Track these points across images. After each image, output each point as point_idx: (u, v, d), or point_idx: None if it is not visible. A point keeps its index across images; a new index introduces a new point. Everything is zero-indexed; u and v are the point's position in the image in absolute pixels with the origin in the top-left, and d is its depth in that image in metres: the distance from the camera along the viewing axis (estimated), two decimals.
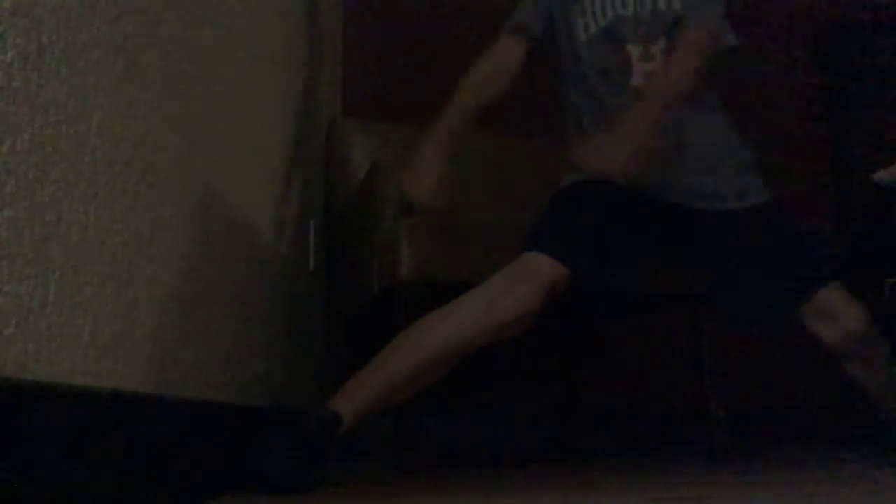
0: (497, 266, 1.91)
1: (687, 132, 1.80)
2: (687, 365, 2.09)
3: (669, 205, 1.79)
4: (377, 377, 1.62)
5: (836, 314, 1.68)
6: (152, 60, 1.15)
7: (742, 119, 1.91)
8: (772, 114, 2.85)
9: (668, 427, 2.53)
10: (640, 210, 1.77)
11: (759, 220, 1.79)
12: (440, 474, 1.80)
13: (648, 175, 1.72)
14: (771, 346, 2.65)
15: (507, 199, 2.49)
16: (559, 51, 1.92)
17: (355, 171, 2.45)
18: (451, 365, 1.65)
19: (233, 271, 1.55)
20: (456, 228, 1.96)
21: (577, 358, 2.57)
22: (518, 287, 1.64)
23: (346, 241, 2.37)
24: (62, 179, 0.90)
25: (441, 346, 1.62)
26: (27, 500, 0.80)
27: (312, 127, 2.41)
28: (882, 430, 1.77)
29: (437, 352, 1.62)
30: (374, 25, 2.84)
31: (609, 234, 1.75)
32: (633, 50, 1.82)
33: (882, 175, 2.11)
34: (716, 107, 1.87)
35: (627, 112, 1.63)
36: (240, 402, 1.55)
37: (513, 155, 2.62)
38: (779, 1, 3.00)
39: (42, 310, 0.85)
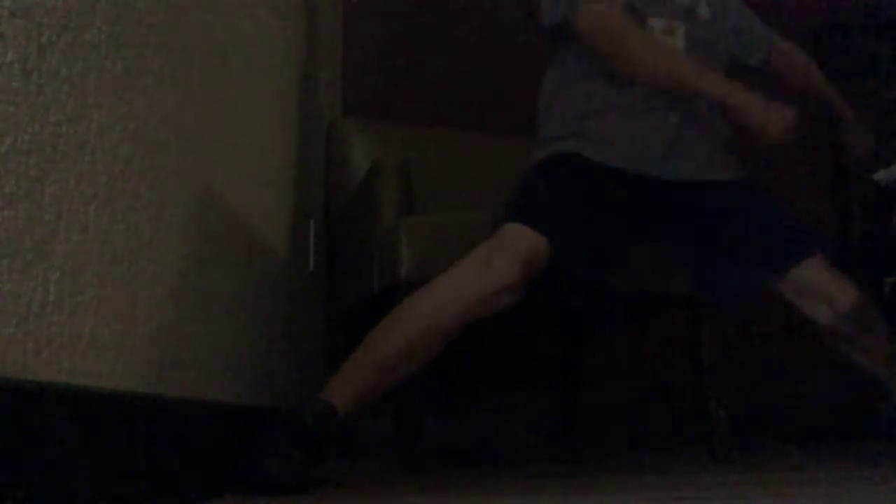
0: None
1: (691, 105, 1.80)
2: (687, 365, 2.09)
3: (647, 177, 1.79)
4: (366, 362, 1.60)
5: (827, 294, 1.69)
6: (152, 60, 1.15)
7: None
8: None
9: (668, 427, 2.53)
10: (619, 181, 1.77)
11: (739, 193, 1.82)
12: (440, 474, 1.80)
13: (649, 150, 1.73)
14: (771, 346, 2.65)
15: (507, 198, 2.48)
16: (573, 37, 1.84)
17: (355, 171, 2.44)
18: (439, 344, 1.62)
19: (233, 271, 1.55)
20: (456, 228, 1.96)
21: (577, 358, 2.57)
22: (496, 259, 1.62)
23: (346, 241, 2.37)
24: (62, 179, 0.90)
25: (425, 324, 1.60)
26: (27, 500, 0.80)
27: (312, 127, 2.41)
28: (883, 425, 1.77)
29: (422, 329, 1.60)
30: (374, 25, 2.84)
31: (587, 205, 1.73)
32: (656, 23, 1.81)
33: (882, 175, 2.11)
34: None
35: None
36: (240, 402, 1.55)
37: (513, 155, 2.62)
38: (779, 1, 3.00)
39: (42, 310, 0.85)
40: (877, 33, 2.86)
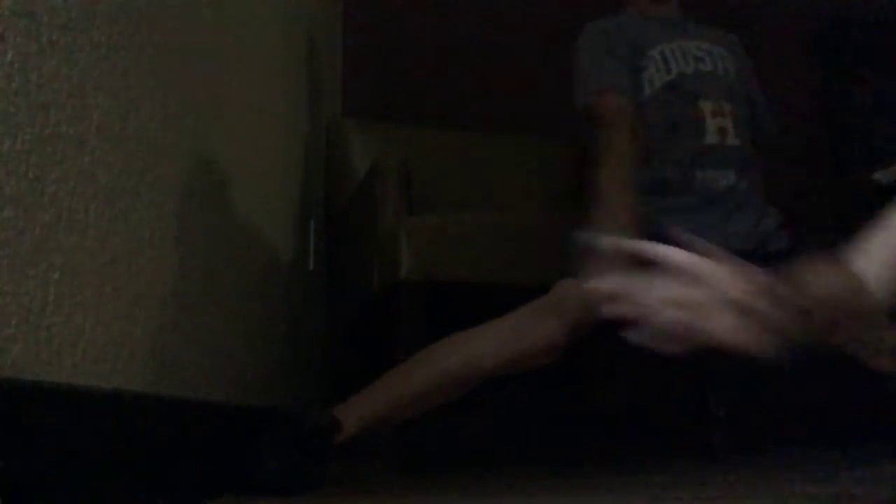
0: (496, 265, 1.92)
1: (740, 193, 1.79)
2: (687, 365, 2.09)
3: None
4: (387, 390, 1.59)
5: None
6: (152, 60, 1.15)
7: None
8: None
9: (668, 427, 2.53)
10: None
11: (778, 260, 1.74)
12: (440, 474, 1.80)
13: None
14: None
15: (507, 200, 2.49)
16: None
17: (355, 171, 2.45)
18: (464, 389, 1.61)
19: (233, 271, 1.55)
20: (456, 228, 1.96)
21: (577, 358, 2.57)
22: (546, 319, 1.60)
23: (346, 241, 2.37)
24: (62, 179, 0.90)
25: (457, 368, 1.59)
26: (27, 500, 0.80)
27: (312, 127, 2.41)
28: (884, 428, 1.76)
29: (453, 372, 1.58)
30: (374, 25, 2.84)
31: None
32: (706, 106, 1.81)
33: (882, 175, 2.11)
34: (759, 172, 1.87)
35: None
36: (240, 402, 1.55)
37: (513, 155, 2.62)
38: (779, 0, 3.00)
39: (42, 310, 0.85)
40: (877, 32, 2.86)
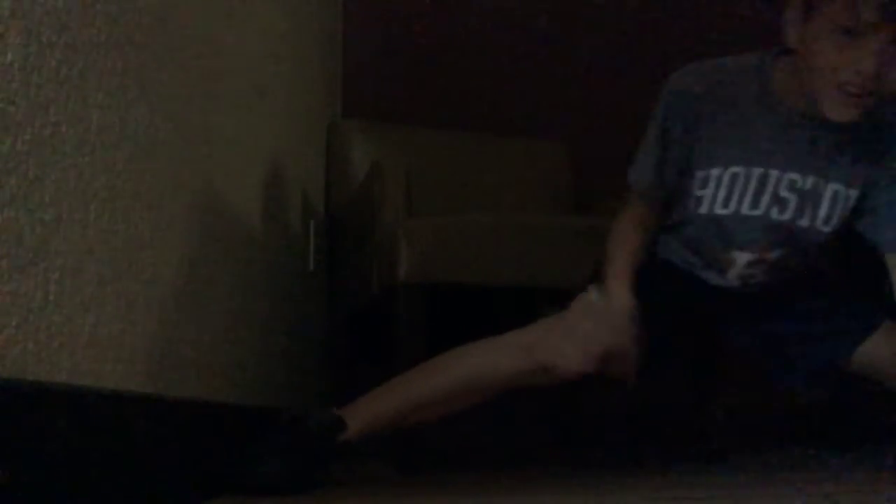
0: (496, 267, 1.91)
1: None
2: (687, 365, 2.09)
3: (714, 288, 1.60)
4: (396, 395, 1.56)
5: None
6: (152, 60, 1.15)
7: None
8: None
9: (668, 427, 2.53)
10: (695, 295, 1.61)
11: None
12: (440, 474, 1.80)
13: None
14: None
15: (507, 201, 2.49)
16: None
17: (355, 171, 2.45)
18: (473, 400, 1.56)
19: (232, 272, 1.55)
20: (455, 230, 1.96)
21: None
22: (572, 352, 1.48)
23: (346, 242, 2.37)
24: (62, 179, 0.90)
25: (468, 376, 1.54)
26: (27, 500, 0.80)
27: (312, 127, 2.42)
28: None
29: (463, 380, 1.53)
30: (374, 25, 2.84)
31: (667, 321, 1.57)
32: (742, 257, 1.53)
33: None
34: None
35: None
36: (239, 402, 1.55)
37: (513, 157, 2.62)
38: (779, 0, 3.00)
39: (42, 310, 0.85)
40: None
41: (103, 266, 0.99)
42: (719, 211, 1.48)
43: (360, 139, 2.53)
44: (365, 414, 1.54)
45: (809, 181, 1.46)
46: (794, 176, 1.46)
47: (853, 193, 1.46)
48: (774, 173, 1.46)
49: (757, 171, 1.46)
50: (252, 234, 1.72)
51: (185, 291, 1.27)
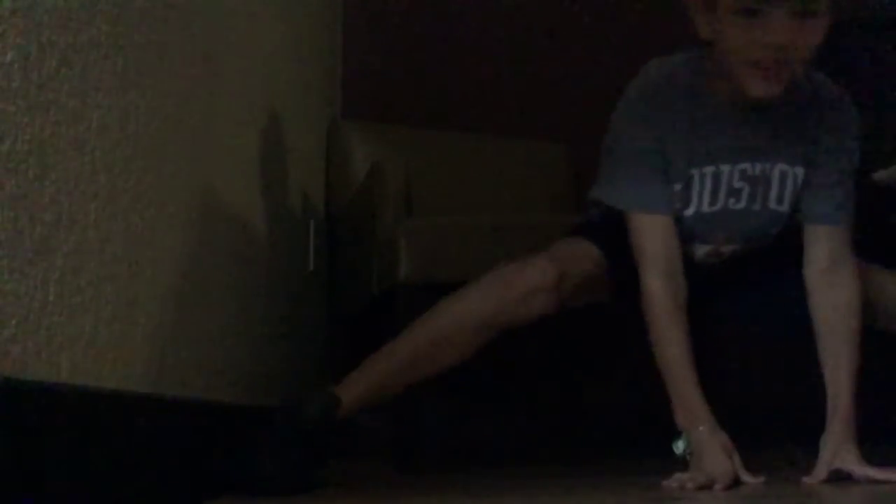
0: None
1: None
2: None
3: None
4: (382, 360, 1.55)
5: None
6: (152, 60, 1.15)
7: None
8: None
9: (668, 427, 2.53)
10: None
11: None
12: (440, 474, 1.80)
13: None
14: (770, 345, 2.64)
15: (506, 202, 2.49)
16: None
17: (355, 171, 2.45)
18: (465, 349, 1.55)
19: (233, 271, 1.55)
20: (455, 230, 1.96)
21: (577, 357, 2.57)
22: (535, 260, 1.55)
23: (346, 242, 2.37)
24: (62, 179, 0.90)
25: (455, 324, 1.54)
26: (27, 500, 0.80)
27: (312, 127, 2.42)
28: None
29: (450, 330, 1.54)
30: (374, 25, 2.84)
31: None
32: (702, 248, 1.59)
33: (882, 175, 2.11)
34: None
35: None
36: (240, 402, 1.55)
37: (513, 157, 2.62)
38: None
39: (42, 310, 0.85)
40: (877, 32, 2.86)
41: (103, 266, 0.99)
42: (684, 213, 1.54)
43: (360, 139, 2.53)
44: (358, 387, 1.53)
45: (758, 167, 1.53)
46: (744, 165, 1.52)
47: (799, 171, 1.53)
48: (726, 168, 1.52)
49: (709, 170, 1.52)
50: (252, 234, 1.72)
51: (185, 291, 1.27)
